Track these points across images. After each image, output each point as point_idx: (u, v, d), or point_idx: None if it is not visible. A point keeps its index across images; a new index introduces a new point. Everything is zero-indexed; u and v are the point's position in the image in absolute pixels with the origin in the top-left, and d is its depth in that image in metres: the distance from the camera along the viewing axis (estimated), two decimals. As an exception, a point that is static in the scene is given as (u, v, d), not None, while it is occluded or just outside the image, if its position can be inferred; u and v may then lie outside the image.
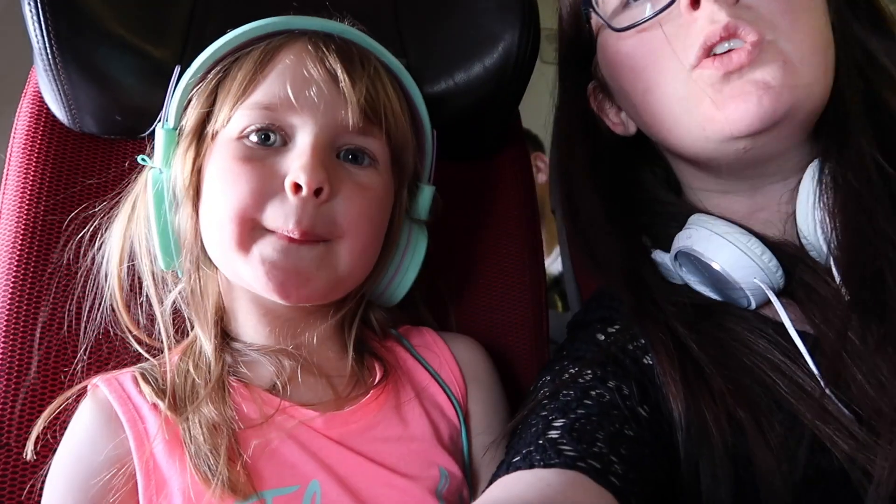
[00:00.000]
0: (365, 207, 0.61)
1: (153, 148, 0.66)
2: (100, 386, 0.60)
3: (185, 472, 0.55)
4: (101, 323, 0.67)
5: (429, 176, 0.72)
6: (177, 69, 0.65)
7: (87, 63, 0.69)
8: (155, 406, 0.58)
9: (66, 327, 0.68)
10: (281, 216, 0.57)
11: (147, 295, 0.66)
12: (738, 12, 0.54)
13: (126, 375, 0.61)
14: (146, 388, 0.59)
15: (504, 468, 0.52)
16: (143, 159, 0.66)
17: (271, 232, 0.58)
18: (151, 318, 0.67)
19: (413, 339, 0.71)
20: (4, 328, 0.67)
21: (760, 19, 0.54)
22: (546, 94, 0.77)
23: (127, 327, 0.66)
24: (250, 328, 0.64)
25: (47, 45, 0.67)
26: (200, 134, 0.63)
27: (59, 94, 0.71)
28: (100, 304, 0.67)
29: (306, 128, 0.60)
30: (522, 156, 0.87)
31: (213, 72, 0.63)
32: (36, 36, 0.67)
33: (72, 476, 0.57)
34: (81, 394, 0.62)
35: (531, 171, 0.88)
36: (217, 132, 0.62)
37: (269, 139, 0.60)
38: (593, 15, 0.64)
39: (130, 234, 0.66)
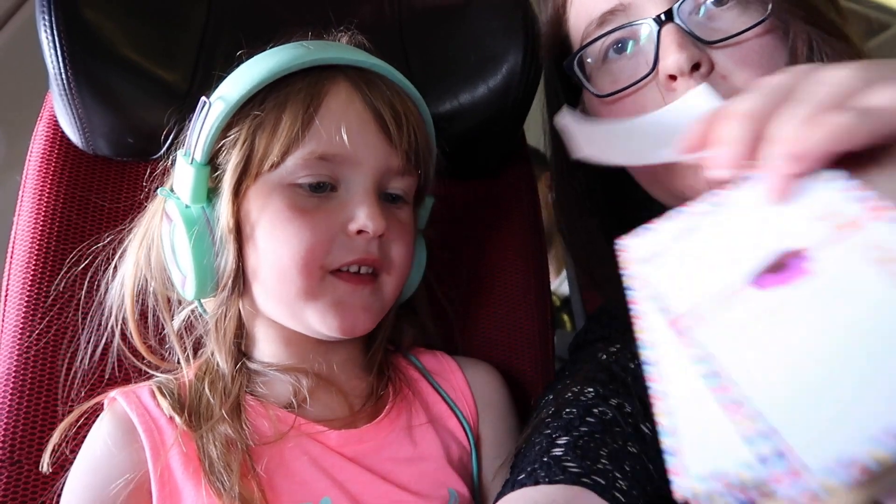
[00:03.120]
0: (408, 245, 0.65)
1: (168, 174, 0.67)
2: (117, 399, 0.61)
3: (199, 485, 0.56)
4: (113, 343, 0.68)
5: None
6: (206, 103, 0.62)
7: (100, 86, 0.71)
8: (171, 419, 0.59)
9: (77, 348, 0.68)
10: (349, 254, 0.60)
11: (161, 318, 0.67)
12: (713, 87, 0.55)
13: (143, 389, 0.63)
14: (163, 402, 0.60)
15: (509, 486, 0.53)
16: (166, 193, 0.65)
17: (338, 276, 0.60)
18: (162, 340, 0.67)
19: (427, 362, 0.71)
20: (17, 348, 0.68)
21: (734, 93, 0.54)
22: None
23: (139, 352, 0.66)
24: (271, 352, 0.65)
25: (62, 69, 0.69)
26: (240, 173, 0.61)
27: (74, 118, 0.72)
28: (111, 326, 0.67)
29: (360, 174, 0.61)
30: (527, 175, 0.88)
31: (254, 111, 0.61)
32: (51, 60, 0.69)
33: (88, 488, 0.57)
34: (98, 409, 0.63)
35: (536, 190, 0.88)
36: (261, 173, 0.60)
37: (324, 186, 0.61)
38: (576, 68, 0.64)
39: (142, 261, 0.66)
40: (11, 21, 0.94)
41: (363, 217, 0.59)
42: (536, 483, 0.50)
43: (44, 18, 0.69)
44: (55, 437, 0.62)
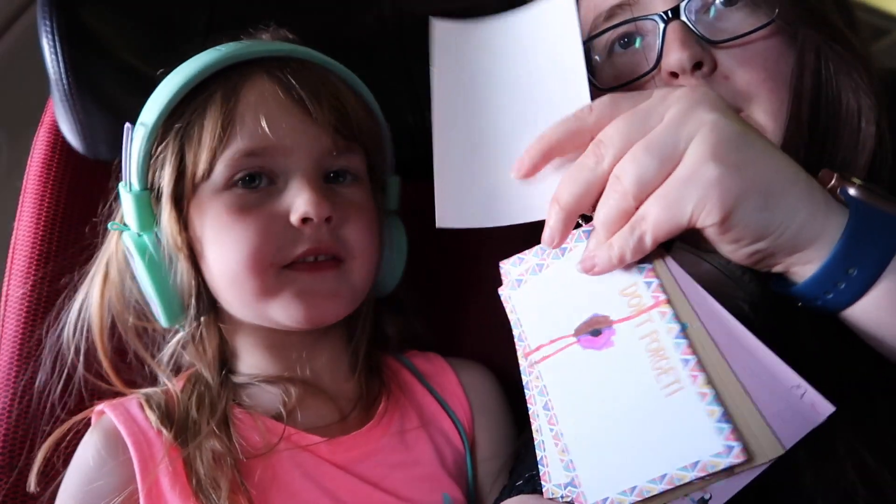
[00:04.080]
0: (365, 225, 0.63)
1: (113, 209, 0.66)
2: (106, 411, 0.60)
3: (187, 502, 0.55)
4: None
5: (391, 166, 0.72)
6: (128, 129, 0.61)
7: (101, 92, 0.71)
8: (160, 433, 0.58)
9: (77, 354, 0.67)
10: (298, 247, 0.59)
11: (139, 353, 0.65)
12: (715, 87, 0.55)
13: (132, 401, 0.62)
14: (151, 415, 0.59)
15: (507, 493, 0.53)
16: (117, 226, 0.64)
17: (294, 269, 0.59)
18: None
19: (420, 364, 0.71)
20: (18, 354, 0.68)
21: (737, 93, 0.55)
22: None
23: (115, 380, 0.65)
24: (254, 362, 0.65)
25: (63, 74, 0.70)
26: (177, 190, 0.61)
27: (75, 123, 0.72)
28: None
29: (293, 162, 0.60)
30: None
31: (175, 125, 0.60)
32: (52, 66, 0.70)
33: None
34: (89, 421, 0.62)
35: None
36: (197, 185, 0.60)
37: (258, 182, 0.60)
38: None
39: (108, 295, 0.65)
40: (13, 27, 0.94)
41: (302, 204, 0.58)
42: (534, 490, 0.50)
43: (45, 24, 0.69)
44: (40, 455, 0.61)
